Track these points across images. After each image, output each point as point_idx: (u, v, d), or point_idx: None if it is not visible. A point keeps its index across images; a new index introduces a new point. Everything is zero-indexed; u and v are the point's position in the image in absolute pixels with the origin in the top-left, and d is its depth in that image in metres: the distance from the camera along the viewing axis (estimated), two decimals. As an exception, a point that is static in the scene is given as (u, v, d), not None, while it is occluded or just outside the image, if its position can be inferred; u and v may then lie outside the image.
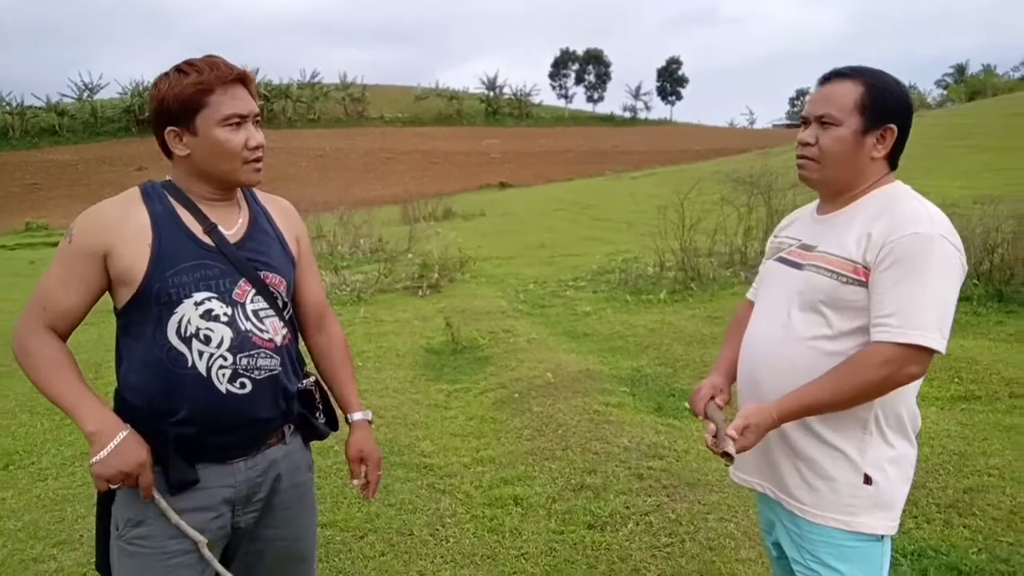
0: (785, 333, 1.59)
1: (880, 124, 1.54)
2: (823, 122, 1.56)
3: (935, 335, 1.42)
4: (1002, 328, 5.69)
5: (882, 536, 1.54)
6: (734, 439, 1.48)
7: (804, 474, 1.57)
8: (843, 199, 1.61)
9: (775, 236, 1.82)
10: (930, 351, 1.43)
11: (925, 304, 1.42)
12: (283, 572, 1.77)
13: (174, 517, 1.54)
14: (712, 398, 1.74)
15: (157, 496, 1.53)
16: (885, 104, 1.53)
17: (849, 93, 1.54)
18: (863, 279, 1.50)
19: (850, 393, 1.47)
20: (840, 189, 1.60)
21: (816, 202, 1.72)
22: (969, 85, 67.91)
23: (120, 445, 1.48)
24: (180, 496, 1.55)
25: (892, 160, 1.59)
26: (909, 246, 1.44)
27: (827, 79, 1.59)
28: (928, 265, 1.43)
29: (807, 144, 1.59)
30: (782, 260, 1.70)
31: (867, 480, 1.52)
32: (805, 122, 1.61)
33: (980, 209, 7.89)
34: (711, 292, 7.96)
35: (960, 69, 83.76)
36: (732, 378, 1.83)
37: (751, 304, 1.86)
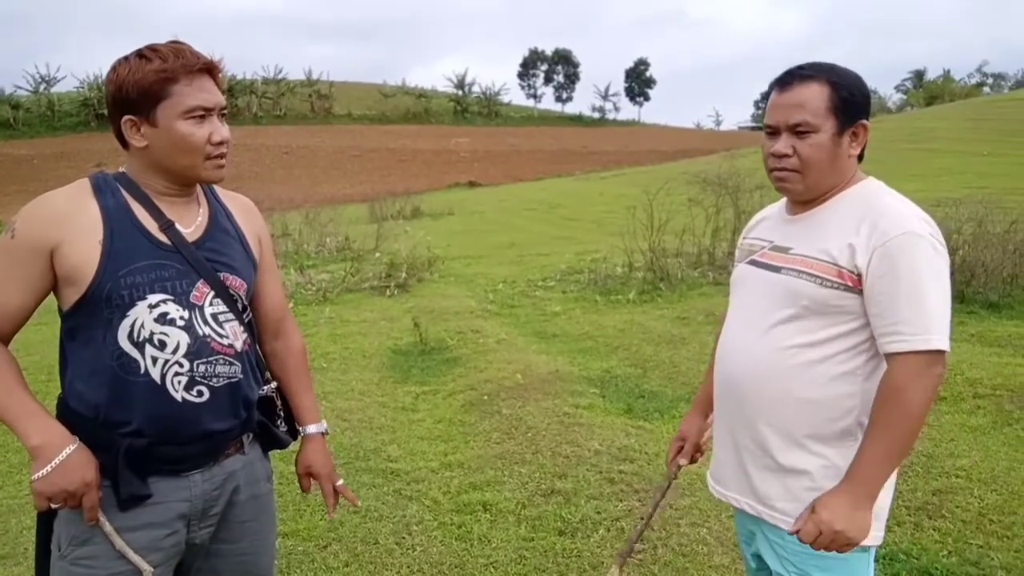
0: (766, 341, 1.53)
1: (853, 122, 1.49)
2: (799, 131, 1.47)
3: (943, 337, 1.38)
4: (964, 329, 5.77)
5: (868, 547, 1.50)
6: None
7: (789, 486, 1.52)
8: (817, 200, 1.55)
9: (744, 238, 1.75)
10: (944, 352, 1.39)
11: (931, 307, 1.38)
12: (240, 589, 1.68)
13: (119, 543, 1.43)
14: (679, 452, 1.86)
15: (102, 519, 1.42)
16: (854, 100, 1.48)
17: (818, 96, 1.46)
18: (851, 284, 1.44)
19: (909, 423, 1.38)
20: (822, 193, 1.54)
21: (784, 201, 1.66)
22: (927, 90, 69.74)
23: (65, 462, 1.37)
24: (131, 512, 1.45)
25: (860, 154, 1.55)
26: (903, 247, 1.39)
27: (787, 83, 1.50)
28: (925, 266, 1.39)
29: (785, 155, 1.50)
30: (755, 263, 1.64)
31: None
32: (772, 131, 1.52)
33: (941, 211, 8.03)
34: (680, 292, 7.99)
35: (919, 75, 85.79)
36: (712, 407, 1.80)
37: None
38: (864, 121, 1.50)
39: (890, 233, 1.41)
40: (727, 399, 1.64)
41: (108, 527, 1.43)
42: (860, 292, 1.44)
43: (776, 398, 1.51)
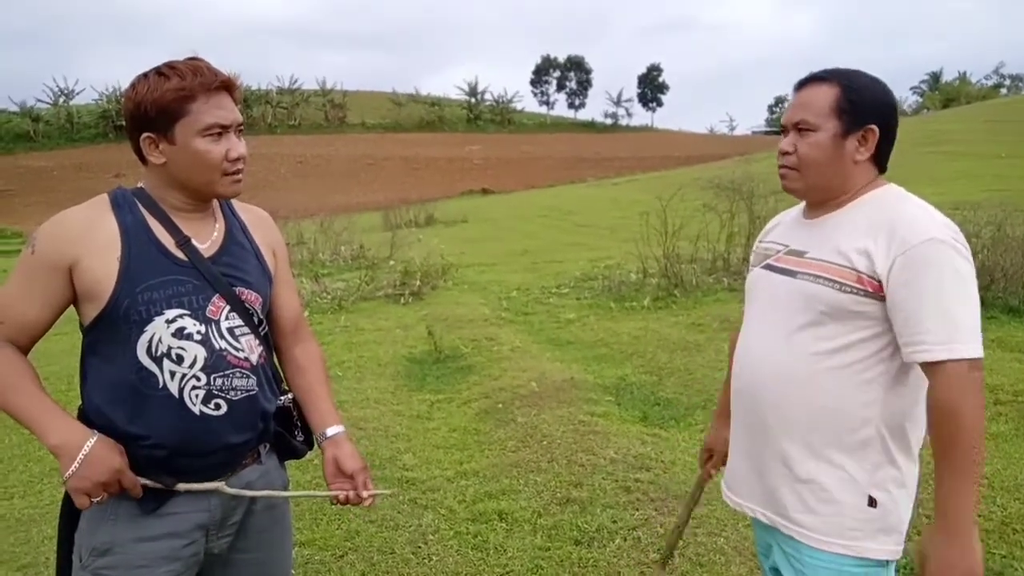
0: (785, 348, 1.52)
1: (860, 125, 1.48)
2: (800, 129, 1.51)
3: (970, 345, 1.35)
4: (984, 334, 5.57)
5: (888, 561, 1.48)
6: None
7: (805, 497, 1.50)
8: (831, 204, 1.54)
9: (760, 241, 1.74)
10: (974, 359, 1.35)
11: (956, 314, 1.36)
12: (257, 598, 1.69)
13: (184, 486, 1.49)
14: (708, 460, 1.87)
15: (163, 484, 1.47)
16: (862, 104, 1.47)
17: (824, 96, 1.48)
18: (871, 290, 1.42)
19: (970, 436, 1.32)
20: (826, 196, 1.54)
21: (802, 205, 1.65)
22: (943, 92, 69.18)
23: (90, 455, 1.39)
24: (150, 522, 1.47)
25: (880, 162, 1.53)
26: (925, 255, 1.37)
27: (803, 84, 1.54)
28: (950, 273, 1.37)
29: (786, 153, 1.53)
30: (770, 268, 1.62)
31: (871, 502, 1.45)
32: (785, 130, 1.56)
33: (959, 215, 7.94)
34: (694, 299, 7.94)
35: (935, 77, 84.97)
36: None
37: None
38: (872, 126, 1.48)
39: (911, 240, 1.39)
40: (743, 406, 1.63)
41: (178, 484, 1.48)
42: (881, 299, 1.42)
43: (794, 406, 1.50)
